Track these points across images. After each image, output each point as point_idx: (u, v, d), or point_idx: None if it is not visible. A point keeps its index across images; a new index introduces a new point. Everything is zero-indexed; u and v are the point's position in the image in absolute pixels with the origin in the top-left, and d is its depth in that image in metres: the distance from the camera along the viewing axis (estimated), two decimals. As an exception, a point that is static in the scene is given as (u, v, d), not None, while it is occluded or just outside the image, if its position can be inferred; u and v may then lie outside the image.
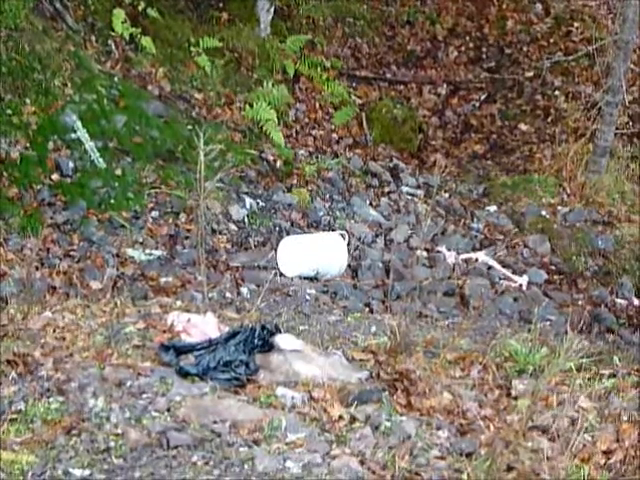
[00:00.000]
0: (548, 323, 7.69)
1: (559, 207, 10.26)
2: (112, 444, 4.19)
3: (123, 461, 4.08)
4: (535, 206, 10.25)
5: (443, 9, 13.28)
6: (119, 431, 4.30)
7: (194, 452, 4.17)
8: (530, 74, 12.42)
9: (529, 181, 10.65)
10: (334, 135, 11.11)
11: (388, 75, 12.51)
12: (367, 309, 7.58)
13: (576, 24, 13.00)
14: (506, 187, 10.64)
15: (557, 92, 12.13)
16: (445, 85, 12.52)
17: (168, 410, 4.53)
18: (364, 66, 12.45)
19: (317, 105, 11.35)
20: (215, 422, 4.43)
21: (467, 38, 13.09)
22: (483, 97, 12.40)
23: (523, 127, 11.85)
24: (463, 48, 13.01)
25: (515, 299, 8.48)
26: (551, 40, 12.87)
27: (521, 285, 8.77)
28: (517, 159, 11.36)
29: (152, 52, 10.07)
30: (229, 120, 10.15)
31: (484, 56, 12.96)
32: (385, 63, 12.62)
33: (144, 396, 4.65)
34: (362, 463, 4.20)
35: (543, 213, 10.14)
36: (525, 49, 12.86)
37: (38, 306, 5.98)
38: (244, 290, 7.66)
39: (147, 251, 7.98)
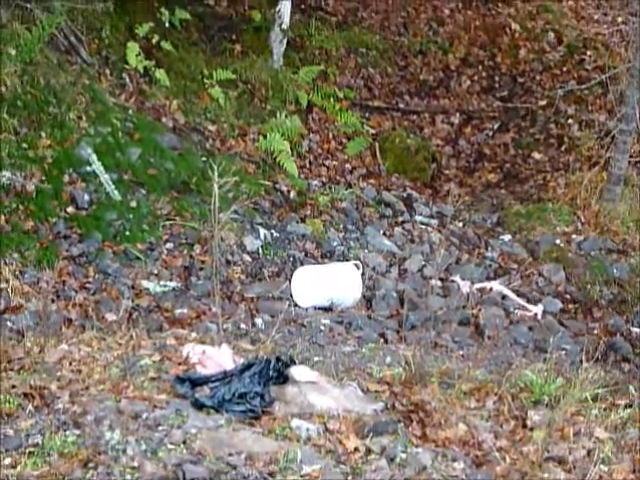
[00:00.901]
0: (564, 352, 7.66)
1: (573, 236, 10.26)
2: (128, 477, 4.21)
3: (139, 495, 4.09)
4: (549, 235, 10.25)
5: (455, 39, 13.34)
6: (135, 464, 4.31)
7: (210, 485, 4.19)
8: (543, 103, 12.45)
9: (543, 210, 10.66)
10: (347, 165, 11.15)
11: (401, 105, 12.56)
12: (382, 339, 7.57)
13: (589, 52, 13.04)
14: (520, 216, 10.65)
15: (570, 120, 12.15)
16: (458, 114, 12.56)
17: (184, 442, 4.54)
18: (377, 96, 12.51)
19: (330, 135, 11.40)
20: (231, 454, 4.44)
21: (480, 67, 13.15)
22: (496, 126, 12.43)
23: (537, 156, 11.87)
24: (476, 77, 13.06)
25: (530, 328, 8.46)
26: (564, 69, 12.91)
27: (536, 314, 8.74)
28: (531, 188, 11.37)
29: (166, 84, 10.14)
30: (243, 151, 10.20)
31: (497, 85, 13.01)
32: (398, 93, 12.67)
33: (160, 428, 4.66)
34: (378, 495, 4.20)
35: (557, 242, 10.13)
36: (538, 78, 12.89)
37: (54, 339, 6.02)
38: (259, 321, 7.67)
39: (162, 283, 8.01)
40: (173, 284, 8.05)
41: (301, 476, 4.32)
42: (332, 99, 11.57)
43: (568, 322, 8.78)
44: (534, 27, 13.47)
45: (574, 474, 4.44)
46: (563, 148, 11.81)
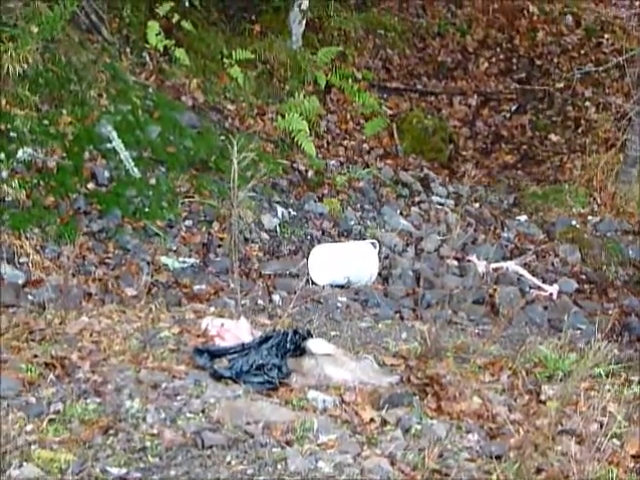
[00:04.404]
0: (578, 332, 7.70)
1: (589, 217, 10.29)
2: (148, 444, 4.29)
3: (159, 460, 4.17)
4: (565, 216, 10.28)
5: (474, 21, 13.35)
6: (155, 431, 4.40)
7: (228, 452, 4.26)
8: (560, 85, 12.46)
9: (559, 191, 10.68)
10: (365, 146, 11.19)
11: (419, 86, 12.58)
12: (398, 316, 7.64)
13: (607, 35, 13.05)
14: (536, 197, 10.68)
15: (587, 103, 12.16)
16: (476, 96, 12.58)
17: (202, 411, 4.62)
18: (395, 77, 12.54)
19: (348, 116, 11.44)
20: (248, 423, 4.51)
21: (498, 49, 13.16)
22: (514, 108, 12.45)
23: (553, 138, 11.89)
24: (494, 59, 13.07)
25: (545, 308, 8.50)
26: (582, 51, 12.92)
27: (551, 294, 8.79)
28: (547, 169, 11.40)
29: (186, 64, 10.20)
30: (261, 131, 10.26)
31: (515, 67, 13.02)
32: (416, 74, 12.70)
33: (179, 398, 4.74)
34: (392, 464, 4.27)
35: (573, 223, 10.17)
36: (556, 60, 12.90)
37: (75, 311, 6.11)
38: (276, 297, 7.74)
39: (181, 259, 8.08)
40: (192, 260, 8.13)
41: (318, 445, 4.39)
42: (350, 80, 11.60)
43: (583, 302, 8.82)
44: (552, 10, 13.48)
45: (587, 447, 4.49)
46: (580, 130, 11.84)
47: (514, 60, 13.08)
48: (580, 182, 10.76)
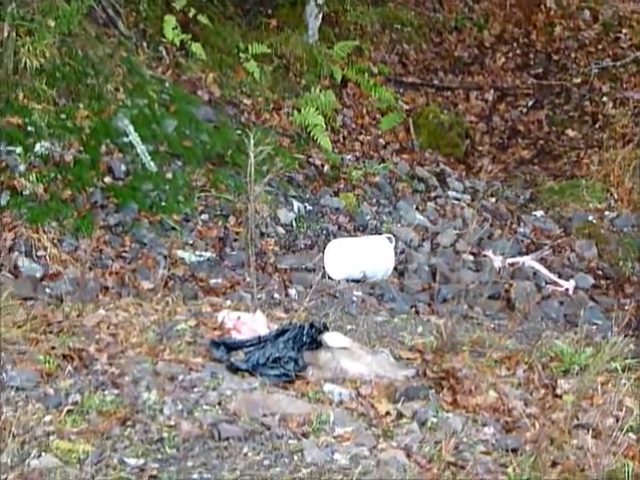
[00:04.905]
0: (594, 327, 7.69)
1: (606, 212, 10.27)
2: (165, 435, 4.32)
3: (176, 451, 4.20)
4: (582, 211, 10.26)
5: (490, 15, 13.33)
6: (172, 423, 4.42)
7: (245, 443, 4.29)
8: (578, 80, 12.43)
9: (576, 186, 10.66)
10: (381, 140, 11.19)
11: (435, 81, 12.57)
12: (413, 311, 7.64)
13: (624, 30, 13.00)
14: (553, 192, 10.66)
15: (605, 98, 12.12)
16: (492, 91, 12.56)
17: (219, 403, 4.65)
18: (411, 72, 12.53)
19: (364, 111, 11.44)
20: (265, 415, 4.54)
21: (514, 44, 13.13)
22: (530, 103, 12.42)
23: (570, 133, 11.86)
24: (510, 54, 13.05)
25: (561, 303, 8.48)
26: (599, 46, 12.87)
27: (567, 289, 8.77)
28: (564, 165, 11.37)
29: (202, 58, 10.22)
30: (277, 125, 10.27)
31: (532, 62, 12.99)
32: (432, 69, 12.69)
33: (196, 390, 4.77)
34: (408, 456, 4.29)
35: (590, 218, 10.14)
36: (573, 55, 12.86)
37: (92, 304, 6.16)
38: (292, 291, 7.75)
39: (197, 253, 8.11)
40: (208, 254, 8.15)
41: (334, 437, 4.41)
42: (366, 74, 11.60)
43: (599, 298, 8.81)
44: (569, 4, 13.43)
45: (602, 441, 4.49)
46: (597, 125, 11.79)
47: (531, 55, 13.05)
48: (597, 177, 10.73)
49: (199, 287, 7.56)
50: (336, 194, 9.69)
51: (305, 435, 4.40)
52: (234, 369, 5.02)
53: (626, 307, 8.69)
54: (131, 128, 8.67)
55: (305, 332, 5.28)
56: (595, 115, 11.97)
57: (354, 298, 7.66)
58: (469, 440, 4.55)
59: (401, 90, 12.11)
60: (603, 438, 4.45)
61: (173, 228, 8.23)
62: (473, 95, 12.47)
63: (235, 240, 8.43)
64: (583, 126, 11.92)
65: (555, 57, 12.95)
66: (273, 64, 10.90)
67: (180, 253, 8.00)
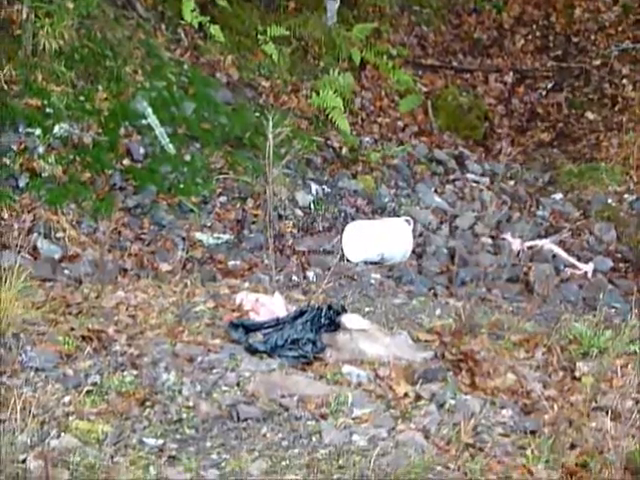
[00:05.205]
0: (613, 310, 7.67)
1: (626, 195, 10.21)
2: (184, 416, 4.35)
3: (195, 432, 4.23)
4: (601, 194, 10.21)
5: (510, -3, 13.26)
6: (191, 404, 4.45)
7: (263, 424, 4.31)
8: (597, 62, 12.36)
9: (595, 169, 10.61)
10: (399, 123, 11.15)
11: (454, 63, 12.52)
12: (431, 293, 7.63)
13: (645, 12, 12.92)
14: (572, 175, 10.61)
15: (625, 80, 12.04)
16: (511, 73, 12.50)
17: (238, 385, 4.67)
18: (430, 54, 12.48)
19: (383, 93, 11.40)
20: (283, 396, 4.56)
21: (534, 26, 13.05)
22: (550, 85, 12.36)
23: (590, 115, 11.80)
24: (530, 36, 12.97)
25: (580, 286, 8.45)
26: (619, 28, 12.78)
27: (586, 273, 8.74)
28: (583, 147, 11.32)
29: (221, 40, 10.19)
30: (296, 107, 10.25)
31: (551, 44, 12.92)
32: (451, 51, 12.64)
33: (214, 371, 4.79)
34: (427, 438, 4.30)
35: (609, 201, 10.10)
36: (593, 37, 12.78)
37: (111, 286, 6.18)
38: (310, 274, 7.75)
39: (215, 235, 8.11)
40: (226, 237, 8.15)
41: (352, 419, 4.43)
42: (385, 57, 11.54)
43: (618, 281, 8.76)
44: (589, -14, 13.36)
45: (621, 423, 4.49)
46: (617, 108, 11.72)
47: (550, 37, 12.98)
48: (616, 160, 10.68)
49: (217, 269, 7.56)
50: (354, 176, 9.66)
51: (323, 416, 4.41)
52: (252, 350, 5.04)
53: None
54: (150, 110, 8.67)
55: (323, 314, 5.30)
56: (615, 98, 11.90)
57: (372, 280, 7.65)
58: (487, 422, 4.55)
59: (420, 72, 12.06)
60: (622, 420, 4.45)
61: (191, 210, 8.23)
62: (492, 77, 12.41)
63: (253, 222, 8.43)
64: (602, 109, 11.85)
65: (575, 39, 12.87)
66: (291, 46, 10.86)
67: (198, 235, 8.00)
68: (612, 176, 10.45)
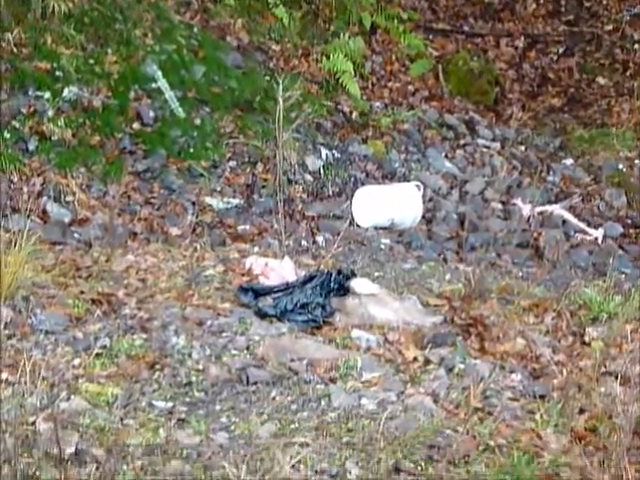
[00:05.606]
0: (623, 276, 7.66)
1: (636, 161, 10.17)
2: (193, 379, 4.36)
3: (204, 395, 4.24)
4: (612, 160, 10.17)
5: (521, -40, 13.15)
6: (200, 367, 4.46)
7: (272, 388, 4.32)
8: (609, 27, 12.28)
9: (606, 135, 10.57)
10: (410, 87, 11.10)
11: (465, 28, 12.44)
12: (441, 258, 7.63)
13: (658, -24, 12.81)
14: (583, 140, 10.57)
15: (636, 46, 11.98)
16: (523, 38, 12.42)
17: (247, 348, 4.68)
18: (441, 19, 12.41)
19: (393, 57, 11.33)
20: (293, 360, 4.57)
21: (545, -10, 12.97)
22: (561, 50, 12.28)
23: (601, 81, 11.74)
24: (542, 1, 12.87)
25: (590, 252, 8.44)
26: (631, -7, 12.69)
27: (596, 238, 8.73)
28: (595, 113, 11.27)
29: (231, 3, 10.13)
30: (306, 72, 10.20)
31: (563, 9, 12.82)
32: (462, 16, 12.55)
33: (224, 335, 4.80)
34: (436, 402, 4.31)
35: (620, 167, 10.06)
36: (605, 2, 12.68)
37: (120, 250, 6.18)
38: (319, 239, 7.75)
39: (225, 199, 8.10)
40: (236, 201, 8.14)
41: (361, 382, 4.44)
42: (396, 21, 11.47)
43: (628, 246, 8.75)
44: (602, -51, 13.24)
45: (630, 388, 4.48)
46: (628, 73, 11.66)
47: (562, 2, 12.87)
48: (628, 126, 10.64)
49: (227, 233, 7.57)
50: (364, 141, 9.63)
51: (332, 380, 4.43)
52: (262, 314, 5.05)
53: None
54: (159, 74, 8.65)
55: (333, 278, 5.31)
56: (626, 63, 11.83)
57: (382, 245, 7.65)
58: (496, 387, 4.56)
59: (430, 37, 11.99)
60: (631, 385, 4.44)
61: (201, 175, 8.22)
62: (503, 42, 12.34)
63: (263, 187, 8.41)
64: (614, 74, 11.79)
65: (586, 4, 12.78)
66: (302, 10, 10.79)
67: (208, 200, 8.00)
68: (623, 141, 10.41)
